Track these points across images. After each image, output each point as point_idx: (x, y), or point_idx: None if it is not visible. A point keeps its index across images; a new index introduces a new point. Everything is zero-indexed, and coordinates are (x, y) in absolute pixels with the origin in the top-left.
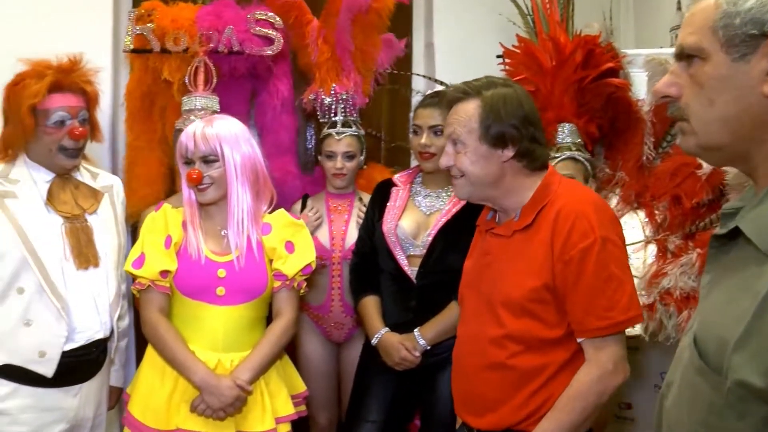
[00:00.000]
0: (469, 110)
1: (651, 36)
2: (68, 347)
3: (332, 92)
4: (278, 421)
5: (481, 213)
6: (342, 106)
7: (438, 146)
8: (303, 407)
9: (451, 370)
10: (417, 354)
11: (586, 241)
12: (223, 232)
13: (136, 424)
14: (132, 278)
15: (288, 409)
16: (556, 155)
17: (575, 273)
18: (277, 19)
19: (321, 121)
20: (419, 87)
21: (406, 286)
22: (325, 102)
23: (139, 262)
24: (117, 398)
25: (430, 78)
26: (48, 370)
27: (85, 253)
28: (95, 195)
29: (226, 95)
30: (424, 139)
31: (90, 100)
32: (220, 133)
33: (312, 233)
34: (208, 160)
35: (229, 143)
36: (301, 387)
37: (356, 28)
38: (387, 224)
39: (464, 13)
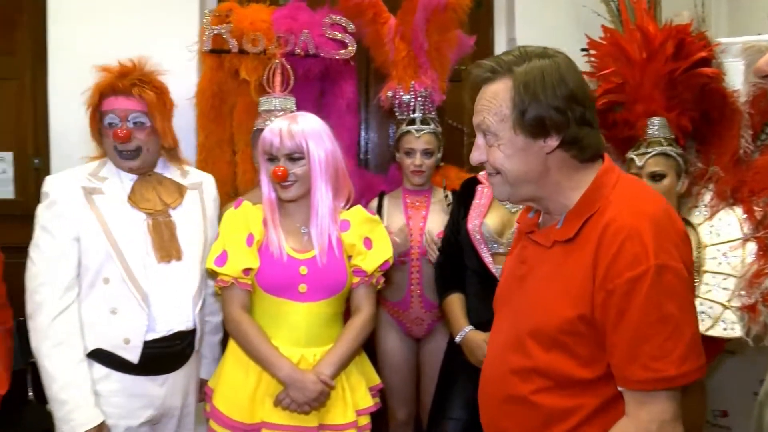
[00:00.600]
0: (499, 93)
1: (746, 23)
2: (150, 337)
3: (411, 89)
4: (358, 413)
5: (522, 209)
6: (420, 103)
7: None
8: (377, 399)
9: (479, 390)
10: None
11: (637, 269)
12: (303, 229)
13: (221, 417)
14: (214, 275)
15: (367, 401)
16: (647, 150)
17: (619, 308)
18: (350, 23)
19: (399, 118)
20: None
21: (491, 284)
22: (404, 99)
23: (222, 259)
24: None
25: None
26: (133, 356)
27: (167, 247)
28: (179, 190)
29: (297, 96)
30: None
31: (151, 105)
32: (306, 130)
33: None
34: (293, 157)
35: (314, 140)
36: (376, 380)
37: (432, 26)
38: (472, 222)
39: (546, 7)
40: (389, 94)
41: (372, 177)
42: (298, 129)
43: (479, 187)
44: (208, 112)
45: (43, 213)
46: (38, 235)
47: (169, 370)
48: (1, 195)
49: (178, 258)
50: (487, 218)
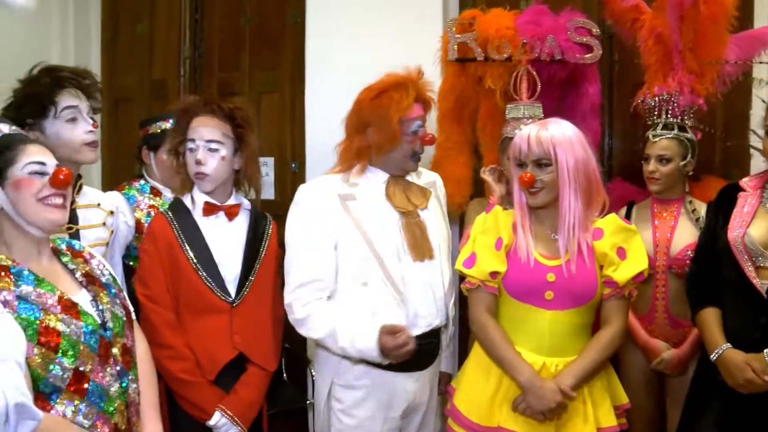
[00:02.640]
0: None
1: None
2: (414, 333)
3: (656, 93)
4: (600, 431)
5: None
6: (664, 107)
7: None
8: (624, 420)
9: None
10: (767, 378)
11: None
12: (553, 236)
13: (460, 417)
14: (461, 276)
15: (611, 420)
16: None
17: None
18: (595, 26)
19: (648, 123)
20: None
21: (754, 301)
22: (648, 104)
23: (470, 261)
24: (447, 383)
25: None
26: None
27: (420, 246)
28: (424, 192)
29: (541, 101)
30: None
31: (427, 109)
32: (555, 137)
33: None
34: (541, 163)
35: (563, 147)
36: (624, 399)
37: (686, 24)
38: (733, 231)
39: None
40: (640, 99)
41: (625, 186)
42: (547, 135)
43: (741, 195)
44: (449, 114)
45: (297, 221)
46: (294, 239)
47: (426, 366)
48: (264, 196)
49: (431, 257)
50: (752, 228)
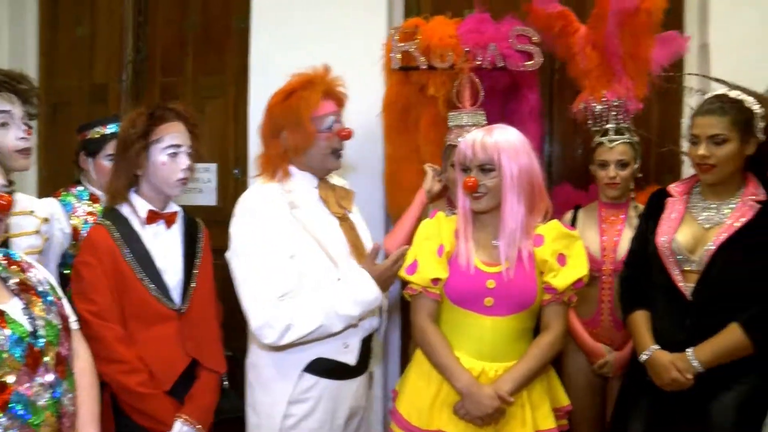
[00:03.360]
0: None
1: None
2: (360, 336)
3: (603, 99)
4: None
5: None
6: (614, 113)
7: (719, 157)
8: (565, 422)
9: None
10: (689, 376)
11: None
12: (494, 243)
13: (402, 420)
14: (404, 282)
15: (550, 422)
16: None
17: None
18: (536, 34)
19: (593, 129)
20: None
21: (680, 303)
22: (596, 110)
23: (413, 268)
24: (370, 383)
25: (705, 76)
26: (352, 359)
27: (358, 249)
28: (348, 194)
29: (483, 107)
30: (702, 150)
31: (341, 105)
32: (499, 143)
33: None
34: (485, 168)
35: (507, 153)
36: (565, 401)
37: (625, 31)
38: (661, 237)
39: (743, 8)
40: (581, 105)
41: (572, 191)
42: (492, 141)
43: (669, 200)
44: (395, 125)
45: (253, 231)
46: (251, 253)
47: (363, 372)
48: (206, 202)
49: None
50: (678, 234)
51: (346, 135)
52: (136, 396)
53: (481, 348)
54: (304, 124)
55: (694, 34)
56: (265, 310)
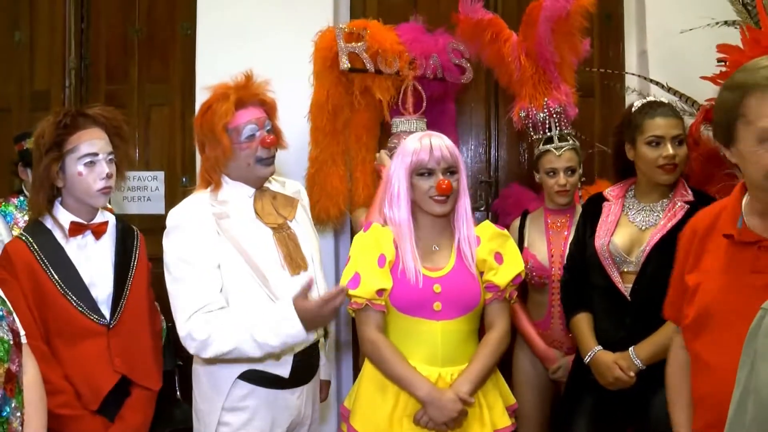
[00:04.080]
0: None
1: None
2: (297, 349)
3: (545, 107)
4: None
5: (721, 218)
6: (556, 120)
7: (681, 157)
8: (513, 419)
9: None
10: (632, 374)
11: None
12: (434, 248)
13: None
14: (348, 298)
15: (505, 421)
16: None
17: None
18: (467, 50)
19: (535, 137)
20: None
21: (620, 303)
22: (539, 118)
23: (355, 282)
24: (327, 391)
25: (645, 78)
26: (285, 371)
27: (296, 260)
28: (291, 202)
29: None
30: (671, 150)
31: (269, 110)
32: (452, 145)
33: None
34: (451, 170)
35: (460, 157)
36: (512, 399)
37: (558, 37)
38: (599, 240)
39: (678, 18)
40: (522, 114)
41: (522, 190)
42: (449, 144)
43: (605, 204)
44: (322, 127)
45: (178, 245)
46: (178, 267)
47: (306, 381)
48: (153, 210)
49: (305, 268)
50: (615, 236)
51: (269, 143)
52: (57, 419)
53: (435, 353)
54: (219, 138)
55: (633, 41)
56: (187, 321)
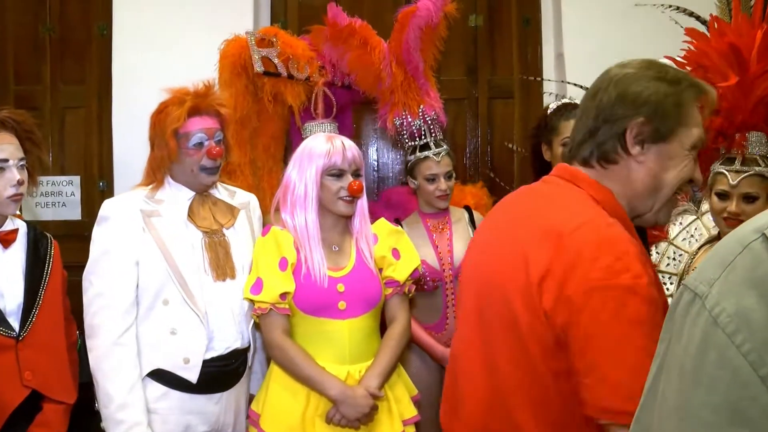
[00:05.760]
0: None
1: None
2: (209, 356)
3: (420, 114)
4: (405, 423)
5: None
6: (431, 126)
7: None
8: (416, 410)
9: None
10: None
11: None
12: (334, 248)
13: None
14: (251, 304)
15: (412, 411)
16: (743, 169)
17: None
18: None
19: (410, 144)
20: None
21: None
22: (414, 125)
23: (257, 287)
24: None
25: (563, 81)
26: (192, 375)
27: (222, 266)
28: (232, 211)
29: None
30: None
31: (224, 122)
32: (358, 148)
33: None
34: (358, 172)
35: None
36: (414, 390)
37: (426, 45)
38: None
39: (594, 21)
40: (396, 121)
41: (405, 191)
42: (355, 146)
43: None
44: (232, 136)
45: (102, 237)
46: (97, 258)
47: (225, 388)
48: (69, 216)
49: (233, 277)
50: None
51: (215, 154)
52: None
53: (342, 352)
54: (167, 141)
55: (550, 45)
56: (97, 314)
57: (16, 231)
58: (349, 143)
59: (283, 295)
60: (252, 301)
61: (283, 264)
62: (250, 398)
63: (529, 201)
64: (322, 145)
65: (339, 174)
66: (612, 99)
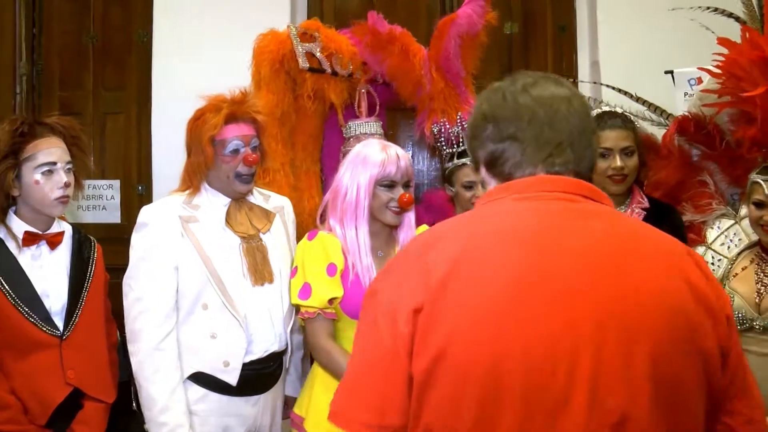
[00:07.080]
0: None
1: None
2: (248, 359)
3: (458, 121)
4: None
5: None
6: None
7: (630, 168)
8: None
9: None
10: None
11: None
12: (379, 254)
13: None
14: (298, 308)
15: None
16: None
17: None
18: None
19: (448, 151)
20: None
21: None
22: (452, 132)
23: (306, 292)
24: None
25: (595, 83)
26: (232, 379)
27: (260, 271)
28: (267, 216)
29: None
30: (619, 162)
31: (260, 129)
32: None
33: None
34: (409, 183)
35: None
36: None
37: (466, 52)
38: None
39: (630, 30)
40: (434, 128)
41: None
42: (408, 155)
43: None
44: (274, 135)
45: (141, 243)
46: (137, 264)
47: (263, 391)
48: (109, 219)
49: (271, 281)
50: None
51: (251, 161)
52: None
53: None
54: (203, 146)
55: (586, 52)
56: (139, 318)
57: (62, 233)
58: (402, 153)
59: (331, 300)
60: (298, 306)
61: (331, 270)
62: (286, 399)
63: (600, 226)
64: (377, 154)
65: (391, 185)
66: None
